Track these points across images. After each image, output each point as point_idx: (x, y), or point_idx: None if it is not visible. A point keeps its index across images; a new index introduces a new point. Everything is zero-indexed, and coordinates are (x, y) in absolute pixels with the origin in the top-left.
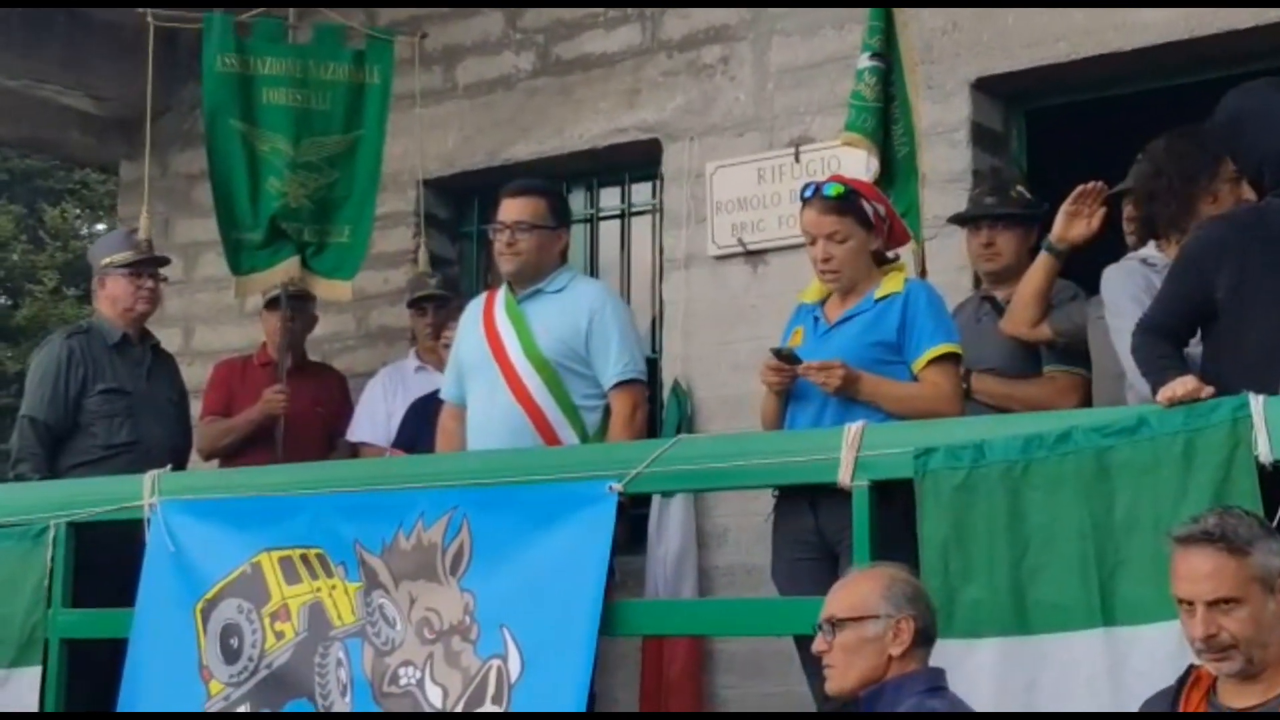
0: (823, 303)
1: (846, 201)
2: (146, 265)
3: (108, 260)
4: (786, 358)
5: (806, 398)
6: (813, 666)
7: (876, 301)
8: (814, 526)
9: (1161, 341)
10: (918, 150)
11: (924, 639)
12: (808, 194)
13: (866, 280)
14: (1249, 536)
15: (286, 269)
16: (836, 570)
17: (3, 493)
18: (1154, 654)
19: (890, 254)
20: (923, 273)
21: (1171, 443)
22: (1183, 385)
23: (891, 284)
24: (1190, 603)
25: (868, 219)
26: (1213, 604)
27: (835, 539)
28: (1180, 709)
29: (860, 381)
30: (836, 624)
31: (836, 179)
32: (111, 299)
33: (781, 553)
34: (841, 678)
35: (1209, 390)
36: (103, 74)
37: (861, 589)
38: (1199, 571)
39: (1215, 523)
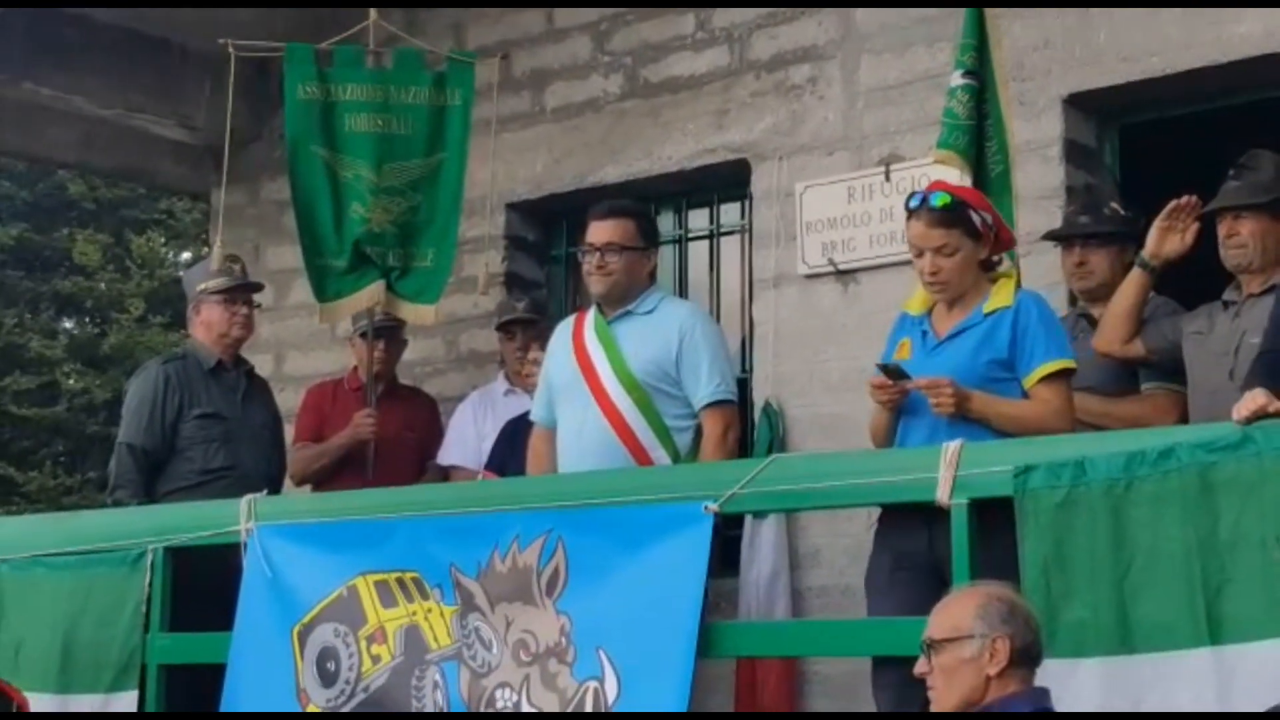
0: (928, 313)
1: (954, 212)
2: (240, 291)
3: (203, 287)
4: (894, 373)
5: (918, 413)
6: (880, 685)
7: (987, 315)
8: (927, 544)
9: (1262, 371)
10: (1012, 168)
11: (1024, 658)
12: (913, 204)
13: (974, 290)
14: None
15: (371, 293)
16: (940, 590)
17: (101, 518)
18: (1262, 671)
19: (995, 258)
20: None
21: (1278, 458)
22: (1253, 400)
23: (1001, 296)
24: None
25: (975, 229)
26: None
27: (947, 557)
28: None
29: (971, 400)
30: (934, 645)
31: (942, 187)
32: (207, 325)
33: (881, 563)
34: (943, 700)
35: (1277, 405)
36: (196, 103)
37: (957, 609)
38: None
39: None
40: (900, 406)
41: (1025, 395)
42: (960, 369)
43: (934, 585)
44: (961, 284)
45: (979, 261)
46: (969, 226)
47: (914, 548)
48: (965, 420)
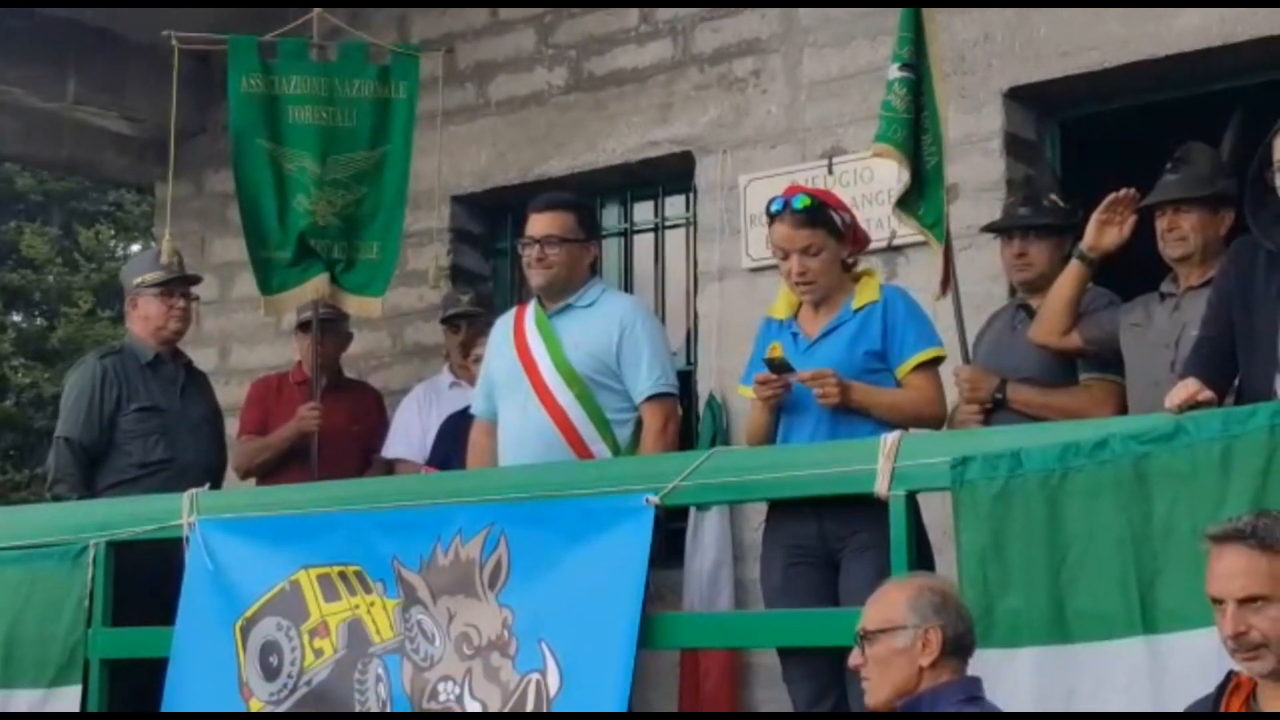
0: (794, 317)
1: (816, 213)
2: (178, 285)
3: (139, 280)
4: (779, 367)
5: (799, 410)
6: (792, 677)
7: (856, 311)
8: (816, 532)
9: (1197, 360)
10: (944, 161)
11: (956, 648)
12: (776, 208)
13: (839, 290)
14: None
15: (316, 285)
16: (836, 579)
17: (42, 513)
18: (1194, 661)
19: (851, 259)
20: (945, 282)
21: (1209, 449)
22: (1184, 389)
23: (867, 292)
24: (1222, 601)
25: (838, 229)
26: (1243, 602)
27: (837, 546)
28: None
29: (852, 390)
30: (868, 636)
31: (800, 190)
32: (144, 318)
33: (775, 558)
34: (876, 690)
35: (1208, 394)
36: (140, 95)
37: (890, 601)
38: (1231, 569)
39: (1249, 521)
40: (780, 404)
41: (898, 384)
42: (839, 364)
43: (827, 575)
44: (827, 283)
45: (839, 261)
46: (831, 226)
47: (805, 540)
48: (847, 412)
